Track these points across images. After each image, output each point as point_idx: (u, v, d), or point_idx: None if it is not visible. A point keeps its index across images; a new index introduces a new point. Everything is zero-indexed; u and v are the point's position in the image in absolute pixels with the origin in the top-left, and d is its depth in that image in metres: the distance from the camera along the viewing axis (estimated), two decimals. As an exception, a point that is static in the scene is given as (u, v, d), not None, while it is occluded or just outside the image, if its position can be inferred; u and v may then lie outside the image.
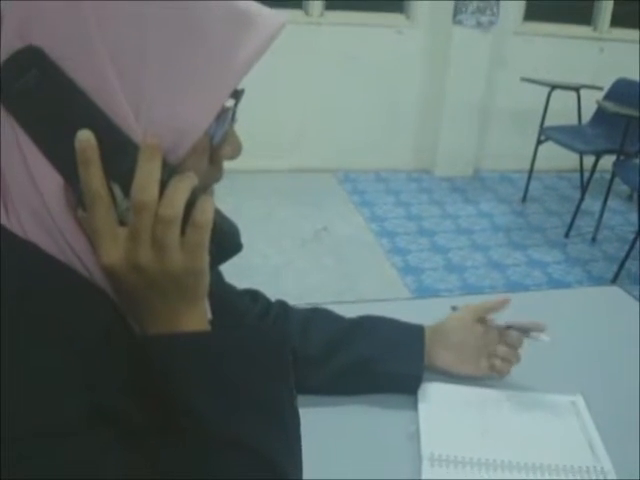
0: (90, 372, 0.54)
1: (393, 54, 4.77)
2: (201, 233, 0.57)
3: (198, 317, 0.62)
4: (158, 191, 0.56)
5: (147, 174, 0.55)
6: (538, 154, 4.52)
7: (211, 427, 0.60)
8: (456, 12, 4.59)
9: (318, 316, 1.12)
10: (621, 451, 0.99)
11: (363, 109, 4.81)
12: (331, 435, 0.98)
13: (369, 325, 1.12)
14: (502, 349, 1.11)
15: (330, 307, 1.15)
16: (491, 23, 4.63)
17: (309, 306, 1.15)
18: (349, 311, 1.14)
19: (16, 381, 0.50)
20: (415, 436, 1.01)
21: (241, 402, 0.61)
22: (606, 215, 4.03)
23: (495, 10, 4.60)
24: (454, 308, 1.16)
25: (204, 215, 0.57)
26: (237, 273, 1.02)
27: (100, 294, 0.60)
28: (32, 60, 0.54)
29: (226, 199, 0.65)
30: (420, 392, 1.08)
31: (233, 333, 0.64)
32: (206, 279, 0.61)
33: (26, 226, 0.57)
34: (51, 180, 0.56)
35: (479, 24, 4.62)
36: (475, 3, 4.55)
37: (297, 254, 3.67)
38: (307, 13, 4.64)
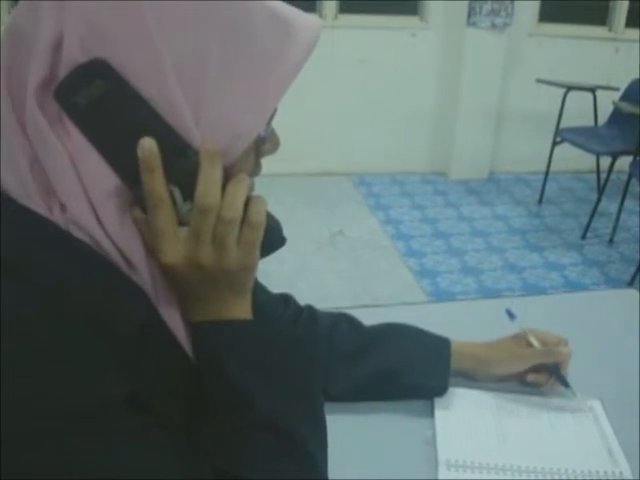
0: (125, 362, 0.57)
1: (407, 56, 4.77)
2: (256, 232, 0.62)
3: (245, 307, 0.67)
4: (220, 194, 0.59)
5: (210, 179, 0.59)
6: (554, 156, 4.49)
7: (254, 408, 0.64)
8: (470, 14, 4.57)
9: (343, 322, 1.11)
10: (640, 456, 0.98)
11: (378, 111, 4.81)
12: (348, 440, 0.98)
13: (395, 334, 1.11)
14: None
15: (347, 312, 1.14)
16: (505, 24, 4.61)
17: (334, 310, 1.14)
18: (365, 315, 1.14)
19: (52, 362, 0.52)
20: (432, 441, 1.01)
21: (281, 387, 0.66)
22: (623, 216, 4.01)
23: (509, 11, 4.58)
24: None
25: (259, 215, 0.62)
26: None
27: (138, 290, 0.62)
28: (97, 72, 0.56)
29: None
30: (437, 397, 1.08)
31: (276, 324, 0.72)
32: (255, 273, 0.66)
33: (70, 223, 0.59)
34: (102, 182, 0.58)
35: (493, 25, 4.60)
36: (489, 4, 4.53)
37: (313, 257, 3.67)
38: (321, 16, 4.64)
